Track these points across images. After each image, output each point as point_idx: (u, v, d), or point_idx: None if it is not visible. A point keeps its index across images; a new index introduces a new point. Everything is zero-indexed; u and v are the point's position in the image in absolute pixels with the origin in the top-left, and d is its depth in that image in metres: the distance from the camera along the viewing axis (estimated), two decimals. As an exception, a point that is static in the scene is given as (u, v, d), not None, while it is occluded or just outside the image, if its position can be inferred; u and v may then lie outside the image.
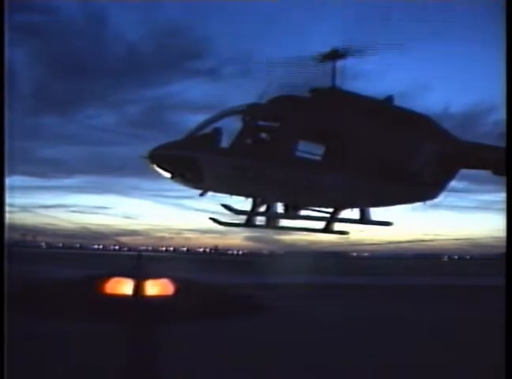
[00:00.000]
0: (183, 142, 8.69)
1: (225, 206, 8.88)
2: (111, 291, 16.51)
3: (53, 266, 35.53)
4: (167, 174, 8.72)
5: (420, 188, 9.61)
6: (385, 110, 9.45)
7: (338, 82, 9.40)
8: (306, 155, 9.08)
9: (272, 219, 9.35)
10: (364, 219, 9.54)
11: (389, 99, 9.68)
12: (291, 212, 9.23)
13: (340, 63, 9.30)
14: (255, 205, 9.18)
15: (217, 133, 8.71)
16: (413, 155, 9.32)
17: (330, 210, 9.70)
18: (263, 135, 9.31)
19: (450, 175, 9.87)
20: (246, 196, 9.00)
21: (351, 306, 19.27)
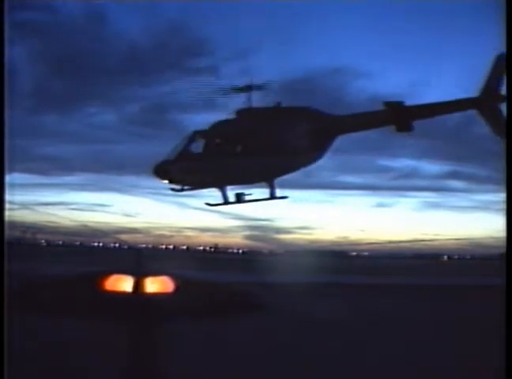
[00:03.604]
0: (168, 158, 13.87)
1: (207, 203, 14.68)
2: (110, 288, 16.53)
3: (53, 263, 35.56)
4: (166, 181, 14.22)
5: (301, 157, 13.57)
6: (276, 112, 13.63)
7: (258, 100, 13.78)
8: (232, 152, 13.63)
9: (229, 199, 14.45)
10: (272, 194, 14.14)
11: (279, 103, 13.74)
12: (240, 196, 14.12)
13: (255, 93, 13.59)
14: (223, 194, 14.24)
15: (187, 149, 13.82)
16: (291, 136, 13.19)
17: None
18: (210, 146, 14.04)
19: (328, 142, 13.48)
20: (205, 187, 14.36)
21: (351, 306, 19.27)
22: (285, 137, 12.96)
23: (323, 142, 12.98)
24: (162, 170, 13.67)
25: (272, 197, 13.85)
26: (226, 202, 14.02)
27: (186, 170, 13.48)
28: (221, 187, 13.89)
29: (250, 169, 13.29)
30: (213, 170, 13.36)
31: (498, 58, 11.98)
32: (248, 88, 13.22)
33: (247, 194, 14.15)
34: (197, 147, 13.97)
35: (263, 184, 14.29)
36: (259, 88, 13.00)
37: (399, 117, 12.27)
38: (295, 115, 13.24)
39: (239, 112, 13.70)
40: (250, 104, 13.63)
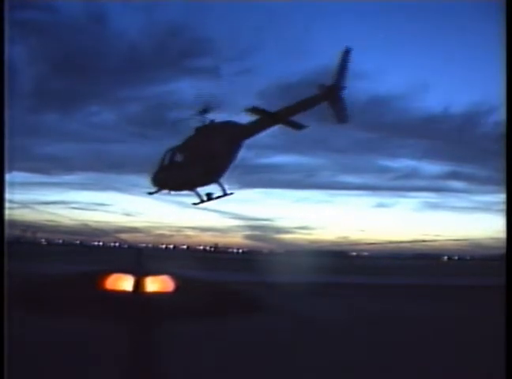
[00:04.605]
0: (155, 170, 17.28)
1: (193, 203, 16.93)
2: (111, 287, 16.53)
3: (53, 262, 35.57)
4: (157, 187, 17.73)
5: (223, 161, 15.53)
6: (208, 128, 15.86)
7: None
8: (179, 162, 16.57)
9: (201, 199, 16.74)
10: (223, 193, 16.20)
11: (212, 121, 16.06)
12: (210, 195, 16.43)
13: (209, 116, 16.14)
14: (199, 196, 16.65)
15: (162, 162, 16.98)
16: (215, 146, 15.35)
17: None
18: (170, 159, 16.88)
19: (238, 147, 15.39)
20: (173, 189, 17.16)
21: (350, 306, 19.28)
22: (211, 147, 15.37)
23: (235, 147, 15.24)
24: (151, 180, 17.51)
25: (225, 194, 16.11)
26: (202, 201, 16.50)
27: (160, 179, 17.03)
28: (182, 189, 17.08)
29: (191, 175, 16.04)
30: (171, 178, 16.55)
31: (344, 54, 13.40)
32: (204, 111, 15.63)
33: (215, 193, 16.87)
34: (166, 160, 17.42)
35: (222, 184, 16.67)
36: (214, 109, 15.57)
37: (266, 123, 14.68)
38: (218, 129, 15.56)
39: (196, 129, 16.34)
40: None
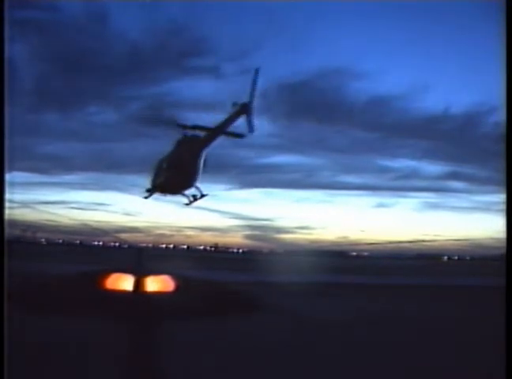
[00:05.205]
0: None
1: (185, 203, 18.74)
2: (111, 287, 16.53)
3: (53, 262, 35.58)
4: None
5: (194, 169, 17.42)
6: (181, 141, 17.68)
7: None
8: (164, 171, 18.42)
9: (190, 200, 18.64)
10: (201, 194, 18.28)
11: (186, 134, 17.67)
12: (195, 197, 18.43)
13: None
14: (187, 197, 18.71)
15: (155, 168, 18.93)
16: (185, 156, 17.42)
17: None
18: (163, 166, 18.48)
19: (201, 157, 17.26)
20: (162, 193, 19.20)
21: (350, 305, 19.28)
22: (182, 158, 17.54)
23: (198, 157, 17.32)
24: (150, 183, 19.67)
25: (202, 195, 18.29)
26: (190, 201, 18.62)
27: (153, 183, 19.23)
28: (169, 193, 19.14)
29: (171, 181, 18.17)
30: (160, 183, 18.73)
31: (254, 73, 15.70)
32: (184, 126, 17.42)
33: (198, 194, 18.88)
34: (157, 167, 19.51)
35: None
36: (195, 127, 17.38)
37: (213, 135, 17.02)
38: (187, 141, 17.55)
39: (176, 141, 18.19)
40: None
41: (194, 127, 17.08)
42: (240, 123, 16.32)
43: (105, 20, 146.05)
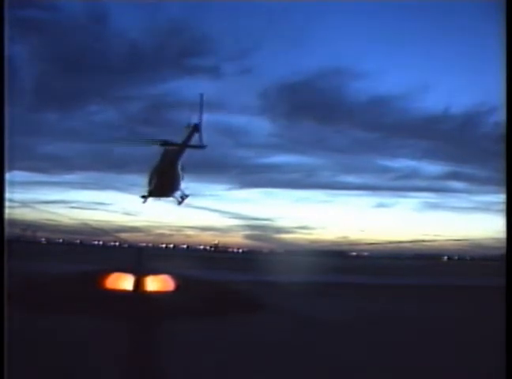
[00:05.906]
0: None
1: (179, 202, 21.24)
2: (111, 287, 16.53)
3: (53, 261, 35.57)
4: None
5: (177, 175, 20.02)
6: (165, 151, 19.62)
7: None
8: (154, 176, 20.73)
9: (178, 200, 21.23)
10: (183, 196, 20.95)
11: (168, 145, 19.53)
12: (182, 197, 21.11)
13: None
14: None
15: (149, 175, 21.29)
16: (166, 167, 19.86)
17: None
18: (154, 173, 20.75)
19: (177, 164, 19.65)
20: (155, 197, 21.90)
21: (350, 305, 19.28)
22: (165, 166, 19.86)
23: (175, 165, 19.72)
24: (147, 192, 21.96)
25: (186, 196, 20.94)
26: (179, 202, 21.13)
27: (149, 188, 21.41)
28: (160, 197, 21.83)
29: (159, 186, 20.68)
30: (152, 188, 21.08)
31: (200, 97, 18.20)
32: (165, 143, 19.22)
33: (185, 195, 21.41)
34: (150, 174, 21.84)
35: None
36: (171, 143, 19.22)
37: (182, 148, 19.08)
38: (168, 152, 19.57)
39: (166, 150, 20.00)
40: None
41: (165, 143, 19.51)
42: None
43: (105, 20, 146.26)
